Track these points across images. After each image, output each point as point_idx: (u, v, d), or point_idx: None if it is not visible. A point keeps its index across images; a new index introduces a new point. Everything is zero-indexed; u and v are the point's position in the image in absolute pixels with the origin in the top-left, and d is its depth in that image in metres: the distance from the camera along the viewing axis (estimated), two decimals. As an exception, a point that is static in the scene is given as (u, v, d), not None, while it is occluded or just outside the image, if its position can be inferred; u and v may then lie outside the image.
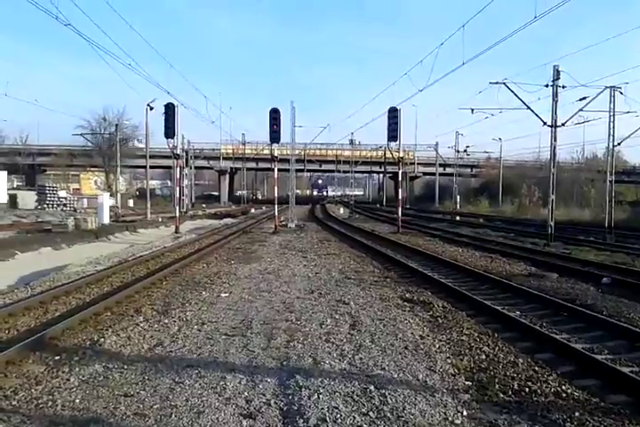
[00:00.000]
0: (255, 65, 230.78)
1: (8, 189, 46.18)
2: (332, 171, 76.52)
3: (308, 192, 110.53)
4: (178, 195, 29.09)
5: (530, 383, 5.33)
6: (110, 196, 39.30)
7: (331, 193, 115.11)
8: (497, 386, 5.26)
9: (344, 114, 53.86)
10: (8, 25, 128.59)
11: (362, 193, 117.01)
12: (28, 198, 42.81)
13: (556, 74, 21.10)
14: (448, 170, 67.55)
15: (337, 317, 7.99)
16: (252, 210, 51.90)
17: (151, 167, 43.17)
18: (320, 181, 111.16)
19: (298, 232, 24.91)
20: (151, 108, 33.67)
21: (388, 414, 4.51)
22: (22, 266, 14.64)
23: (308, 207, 58.03)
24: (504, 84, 22.58)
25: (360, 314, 8.19)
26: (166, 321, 7.63)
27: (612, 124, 26.67)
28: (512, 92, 22.45)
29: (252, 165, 71.10)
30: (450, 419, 4.45)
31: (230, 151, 70.50)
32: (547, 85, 21.48)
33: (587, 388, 5.28)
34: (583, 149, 62.16)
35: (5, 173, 47.15)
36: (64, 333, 6.97)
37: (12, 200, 42.12)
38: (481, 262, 14.66)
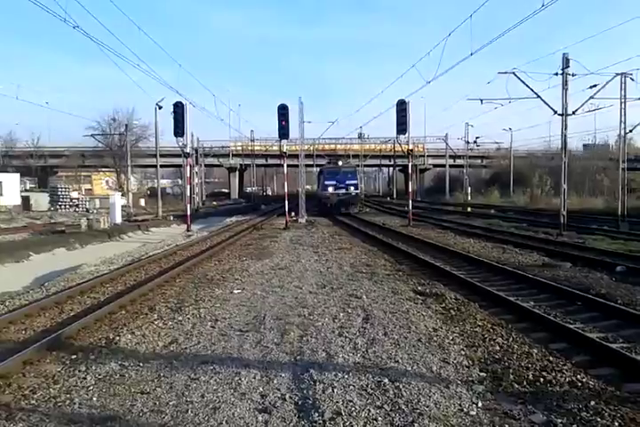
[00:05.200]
0: (263, 61, 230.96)
1: (21, 191, 46.66)
2: (342, 165, 76.01)
3: (322, 189, 44.10)
4: (188, 193, 29.14)
5: (545, 373, 5.31)
6: (122, 195, 39.52)
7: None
8: (511, 377, 5.25)
9: (352, 108, 53.90)
10: (17, 28, 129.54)
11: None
12: (40, 200, 43.24)
13: (566, 62, 20.85)
14: (458, 161, 67.09)
15: (349, 311, 8.00)
16: (263, 206, 51.98)
17: (161, 166, 43.33)
18: (340, 163, 43.22)
19: (309, 227, 24.92)
20: (160, 108, 33.76)
21: (403, 407, 4.51)
22: (37, 267, 14.81)
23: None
24: (513, 73, 22.37)
25: (372, 307, 8.19)
26: (180, 318, 7.69)
27: (623, 111, 26.39)
28: (521, 81, 22.25)
29: (262, 161, 71.07)
30: (465, 410, 4.45)
31: (239, 148, 70.46)
32: (556, 74, 21.25)
33: (602, 377, 5.26)
34: (594, 136, 61.67)
35: (18, 175, 47.64)
36: (80, 332, 7.04)
37: (26, 202, 42.54)
38: (493, 254, 14.60)
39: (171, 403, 4.69)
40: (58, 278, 12.12)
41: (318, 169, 50.44)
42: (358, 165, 55.21)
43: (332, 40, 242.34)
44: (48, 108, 78.38)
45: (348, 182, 36.34)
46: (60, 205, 41.23)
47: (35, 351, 6.02)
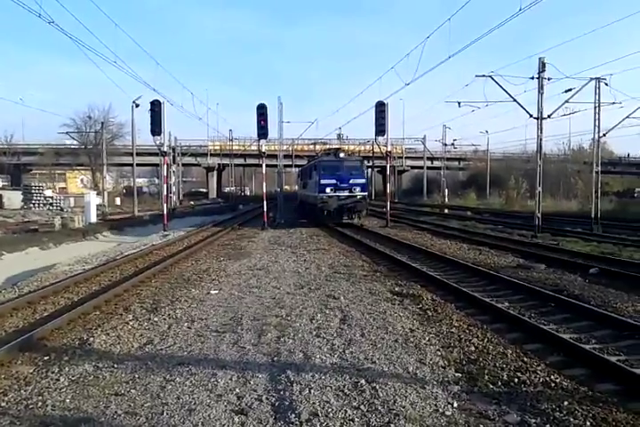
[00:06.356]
0: (242, 61, 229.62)
1: (-7, 189, 45.79)
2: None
3: (315, 191, 26.29)
4: (165, 192, 28.88)
5: (519, 374, 5.38)
6: (97, 194, 39.00)
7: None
8: (486, 377, 5.30)
9: (331, 109, 53.84)
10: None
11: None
12: (13, 198, 42.48)
13: (542, 66, 21.18)
14: (436, 163, 67.70)
15: (327, 311, 8.01)
16: (241, 206, 51.78)
17: (138, 165, 42.90)
18: (342, 155, 25.93)
19: (287, 228, 24.87)
20: (137, 106, 33.38)
21: (379, 407, 4.53)
22: (9, 266, 14.55)
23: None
24: (490, 77, 22.61)
25: (350, 308, 8.20)
26: (156, 319, 7.61)
27: (597, 116, 26.84)
28: (498, 84, 22.48)
29: (240, 161, 70.71)
30: (440, 410, 4.49)
31: (218, 148, 69.94)
32: (532, 78, 21.58)
33: (575, 377, 5.34)
34: (569, 140, 62.80)
35: (-10, 173, 46.71)
36: (53, 333, 6.93)
37: (-2, 200, 41.76)
38: (469, 255, 14.73)
39: (145, 405, 4.63)
40: (31, 278, 11.91)
41: (304, 164, 37.91)
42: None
43: (312, 41, 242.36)
44: (22, 104, 76.97)
45: (352, 181, 25.38)
46: (33, 204, 40.55)
47: (6, 352, 5.90)
